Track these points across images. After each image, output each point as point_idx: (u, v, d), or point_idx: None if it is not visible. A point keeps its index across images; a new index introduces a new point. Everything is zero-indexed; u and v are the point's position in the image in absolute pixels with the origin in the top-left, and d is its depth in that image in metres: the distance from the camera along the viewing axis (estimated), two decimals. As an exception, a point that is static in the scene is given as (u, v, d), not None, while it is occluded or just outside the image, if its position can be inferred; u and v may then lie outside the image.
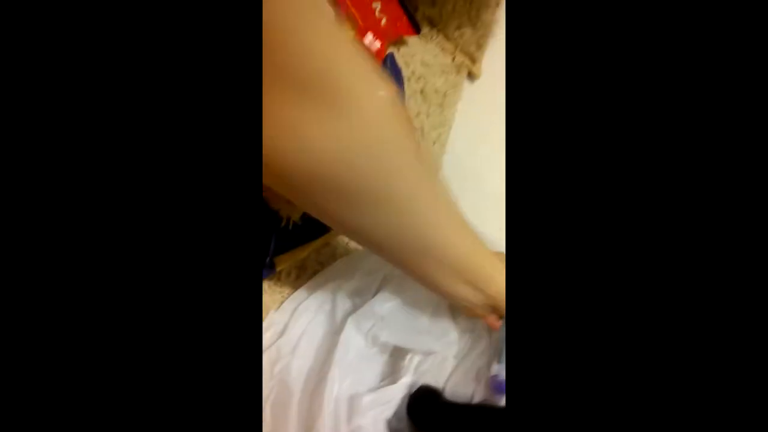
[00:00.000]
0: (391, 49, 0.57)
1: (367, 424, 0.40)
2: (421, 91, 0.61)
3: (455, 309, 0.45)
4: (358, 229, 0.33)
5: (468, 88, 0.67)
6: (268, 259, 0.43)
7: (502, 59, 0.69)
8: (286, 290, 0.48)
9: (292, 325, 0.45)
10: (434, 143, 0.62)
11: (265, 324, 0.46)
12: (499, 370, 0.40)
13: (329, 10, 0.27)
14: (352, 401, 0.41)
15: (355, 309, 0.46)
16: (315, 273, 0.49)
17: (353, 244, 0.52)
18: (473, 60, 0.67)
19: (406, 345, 0.44)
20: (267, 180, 0.28)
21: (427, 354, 0.44)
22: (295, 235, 0.44)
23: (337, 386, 0.41)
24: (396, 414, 0.42)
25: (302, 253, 0.46)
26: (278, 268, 0.45)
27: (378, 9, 0.51)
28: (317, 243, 0.47)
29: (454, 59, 0.65)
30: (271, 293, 0.47)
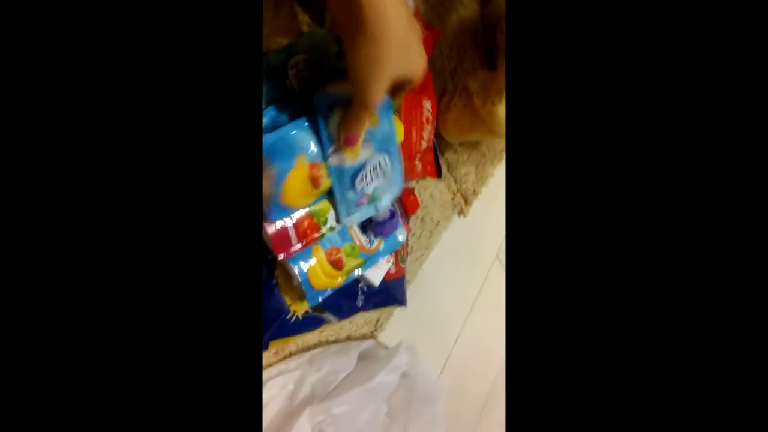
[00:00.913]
0: (413, 183, 0.68)
1: None
2: (422, 219, 0.72)
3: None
4: None
5: (456, 221, 0.79)
6: (264, 340, 0.50)
7: (488, 208, 0.83)
8: (264, 361, 0.55)
9: (258, 397, 0.52)
10: (416, 261, 0.73)
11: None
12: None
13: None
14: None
15: (312, 397, 0.54)
16: (290, 354, 0.56)
17: (333, 337, 0.60)
18: (467, 202, 0.81)
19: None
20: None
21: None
22: (294, 326, 0.51)
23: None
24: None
25: (294, 339, 0.53)
26: (270, 350, 0.52)
27: (418, 157, 0.62)
28: (308, 336, 0.54)
29: (453, 198, 0.78)
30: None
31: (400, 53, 0.32)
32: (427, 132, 0.59)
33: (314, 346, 0.59)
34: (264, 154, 0.37)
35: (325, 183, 0.43)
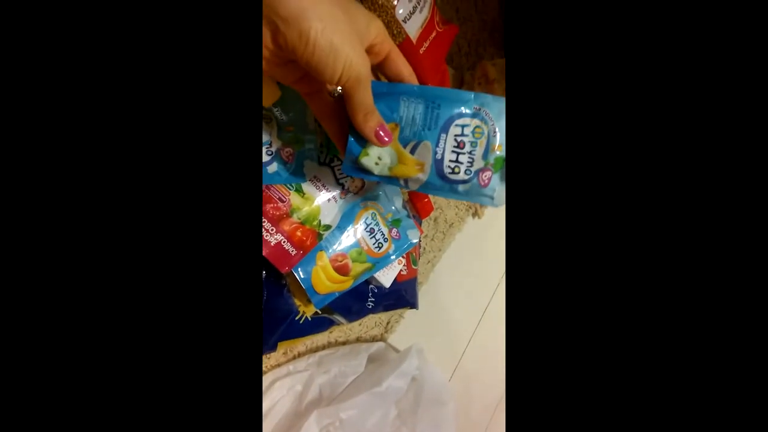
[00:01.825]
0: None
1: None
2: (435, 219, 0.71)
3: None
4: None
5: (470, 223, 0.78)
6: (272, 341, 0.49)
7: (503, 210, 0.81)
8: (272, 361, 0.54)
9: (266, 397, 0.51)
10: (428, 263, 0.72)
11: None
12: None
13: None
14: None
15: (320, 399, 0.53)
16: (299, 355, 0.55)
17: (342, 339, 0.59)
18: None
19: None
20: None
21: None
22: (303, 327, 0.50)
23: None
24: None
25: (303, 340, 0.53)
26: (279, 350, 0.51)
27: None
28: (317, 337, 0.53)
29: (468, 199, 0.76)
30: (253, 358, 0.53)
31: (325, 10, 0.26)
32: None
33: (323, 347, 0.58)
34: None
35: (355, 268, 0.43)
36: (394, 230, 0.47)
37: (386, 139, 0.32)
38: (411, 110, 0.31)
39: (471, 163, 0.32)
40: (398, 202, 0.47)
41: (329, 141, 0.42)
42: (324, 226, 0.43)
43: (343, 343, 0.60)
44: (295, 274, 0.42)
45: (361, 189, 0.46)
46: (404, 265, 0.56)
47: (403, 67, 0.34)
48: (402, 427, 0.56)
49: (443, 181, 0.33)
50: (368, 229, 0.44)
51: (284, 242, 0.41)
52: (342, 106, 0.32)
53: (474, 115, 0.32)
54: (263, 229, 0.40)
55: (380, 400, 0.53)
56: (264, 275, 0.45)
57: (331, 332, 0.57)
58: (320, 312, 0.51)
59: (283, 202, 0.42)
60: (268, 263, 0.41)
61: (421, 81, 0.56)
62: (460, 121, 0.31)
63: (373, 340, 0.64)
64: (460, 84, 0.66)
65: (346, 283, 0.45)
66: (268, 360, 0.53)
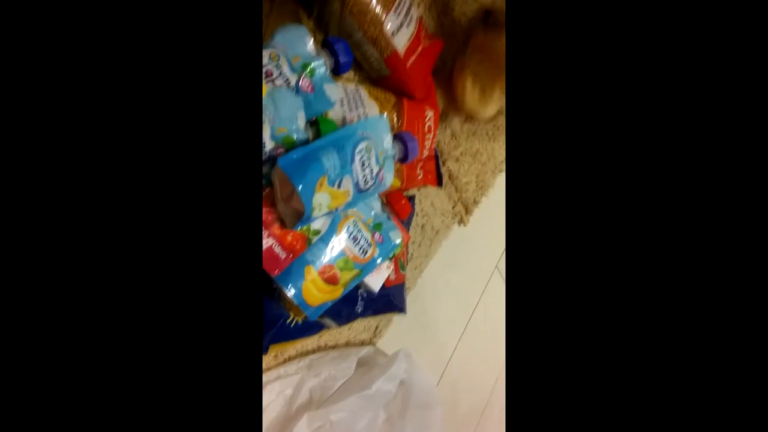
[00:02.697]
0: (414, 191, 0.69)
1: None
2: (422, 227, 0.73)
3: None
4: None
5: (455, 230, 0.80)
6: (264, 344, 0.50)
7: (488, 218, 0.84)
8: (263, 364, 0.55)
9: (256, 401, 0.52)
10: (416, 268, 0.74)
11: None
12: None
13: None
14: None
15: (311, 402, 0.54)
16: (290, 358, 0.56)
17: (332, 342, 0.61)
18: (467, 211, 0.81)
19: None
20: None
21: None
22: (294, 331, 0.51)
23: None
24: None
25: (293, 344, 0.54)
26: (270, 353, 0.52)
27: (419, 166, 0.63)
28: (308, 340, 0.54)
29: (454, 207, 0.78)
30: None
31: None
32: (429, 141, 0.60)
33: (313, 351, 0.59)
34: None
35: (344, 276, 0.45)
36: (377, 234, 0.49)
37: None
38: (331, 159, 0.41)
39: (371, 170, 0.44)
40: (377, 207, 0.49)
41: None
42: (313, 231, 0.45)
43: (333, 347, 0.61)
44: (286, 292, 0.43)
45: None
46: (392, 270, 0.57)
47: None
48: (391, 429, 0.57)
49: (361, 193, 0.44)
50: (352, 237, 0.46)
51: (275, 245, 0.43)
52: None
53: (362, 139, 0.43)
54: (256, 233, 0.41)
55: (369, 402, 0.55)
56: (256, 279, 0.46)
57: (321, 336, 0.58)
58: (311, 316, 0.52)
59: (274, 205, 0.43)
60: (260, 266, 0.43)
61: (409, 92, 0.59)
62: (358, 148, 0.43)
63: (363, 344, 0.65)
64: (450, 75, 0.66)
65: (337, 292, 0.46)
66: (259, 364, 0.54)
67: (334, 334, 0.61)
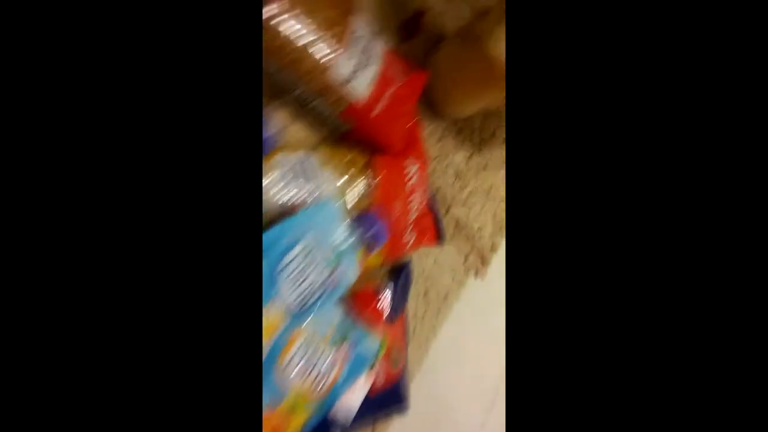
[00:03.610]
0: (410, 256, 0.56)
1: None
2: (425, 294, 0.60)
3: None
4: None
5: (471, 287, 0.66)
6: None
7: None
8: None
9: None
10: (419, 348, 0.61)
11: None
12: None
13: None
14: None
15: None
16: None
17: None
18: (483, 262, 0.67)
19: None
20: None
21: None
22: None
23: None
24: None
25: None
26: None
27: (409, 230, 0.49)
28: None
29: (466, 260, 0.65)
30: None
31: None
32: (416, 202, 0.47)
33: None
34: None
35: (294, 421, 0.34)
36: (343, 348, 0.36)
37: None
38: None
39: (317, 279, 0.34)
40: (337, 314, 0.37)
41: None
42: None
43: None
44: None
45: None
46: (380, 373, 0.45)
47: None
48: None
49: (304, 313, 0.34)
50: (300, 364, 0.34)
51: None
52: None
53: (293, 244, 0.34)
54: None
55: None
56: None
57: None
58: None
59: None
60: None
61: (383, 146, 0.46)
62: (287, 258, 0.33)
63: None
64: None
65: None
66: None
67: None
